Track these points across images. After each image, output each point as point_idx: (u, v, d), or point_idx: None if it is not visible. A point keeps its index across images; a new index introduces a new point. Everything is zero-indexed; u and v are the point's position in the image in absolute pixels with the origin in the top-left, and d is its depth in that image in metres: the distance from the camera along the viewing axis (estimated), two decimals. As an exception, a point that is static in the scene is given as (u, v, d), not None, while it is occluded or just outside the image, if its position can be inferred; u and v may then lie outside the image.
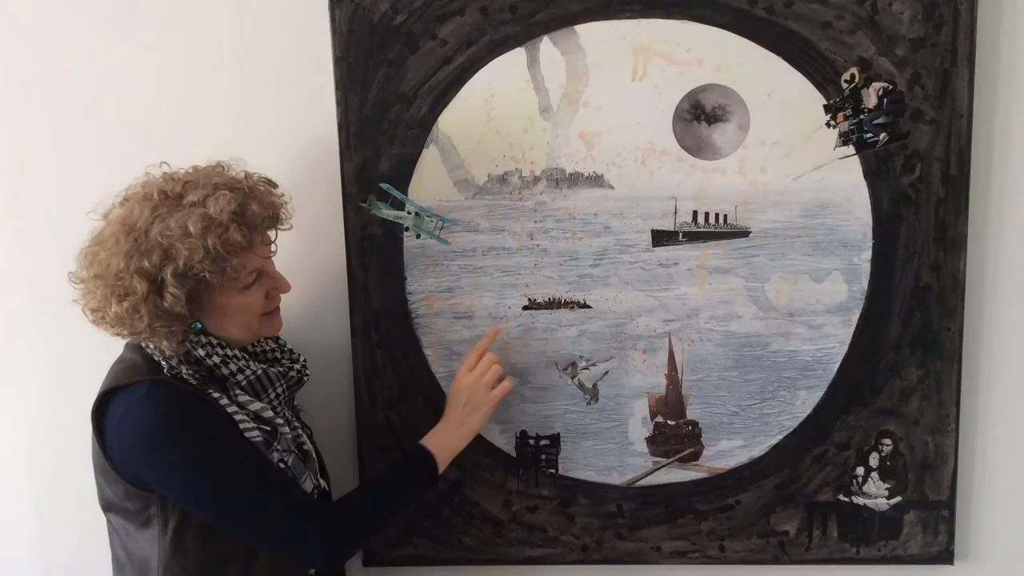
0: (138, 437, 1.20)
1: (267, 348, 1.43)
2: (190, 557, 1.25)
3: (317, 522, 1.26)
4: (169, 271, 1.19)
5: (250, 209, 1.25)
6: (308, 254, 1.55)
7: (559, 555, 1.61)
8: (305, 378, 1.40)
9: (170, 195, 1.23)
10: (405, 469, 1.39)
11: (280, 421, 1.30)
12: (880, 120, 1.48)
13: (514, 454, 1.59)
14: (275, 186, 1.34)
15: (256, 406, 1.28)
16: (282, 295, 1.36)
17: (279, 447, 1.27)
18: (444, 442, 1.40)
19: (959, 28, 1.44)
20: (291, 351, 1.44)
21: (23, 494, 1.69)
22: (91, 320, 1.25)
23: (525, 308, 1.55)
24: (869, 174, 1.49)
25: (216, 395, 1.24)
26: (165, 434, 1.20)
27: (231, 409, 1.24)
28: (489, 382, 1.44)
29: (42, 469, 1.67)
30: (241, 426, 1.24)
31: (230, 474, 1.21)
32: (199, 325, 1.26)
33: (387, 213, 1.52)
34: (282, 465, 1.28)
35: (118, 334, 1.25)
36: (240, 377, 1.29)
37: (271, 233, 1.34)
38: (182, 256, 1.18)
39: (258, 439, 1.25)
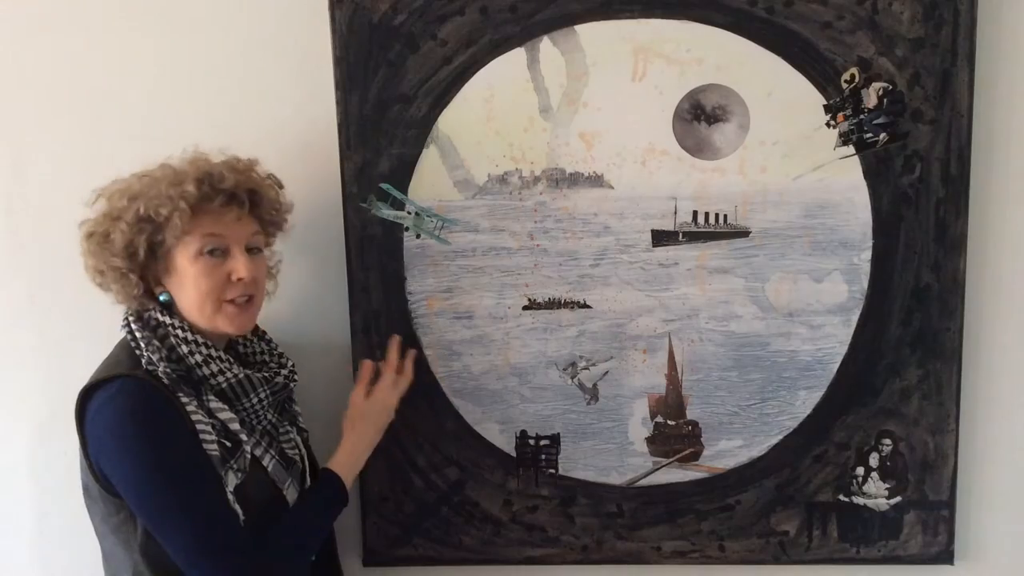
0: (105, 435, 1.21)
1: (256, 350, 1.43)
2: (160, 566, 1.23)
3: (228, 556, 1.21)
4: (131, 212, 1.24)
5: (220, 172, 1.29)
6: (308, 254, 1.55)
7: (559, 555, 1.62)
8: (292, 384, 1.40)
9: (179, 164, 1.31)
10: (314, 493, 1.37)
11: (244, 437, 1.28)
12: (880, 120, 1.48)
13: (514, 454, 1.59)
14: (280, 185, 1.39)
15: (225, 415, 1.27)
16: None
17: (234, 465, 1.25)
18: (344, 460, 1.43)
19: (959, 28, 1.44)
20: (280, 355, 1.44)
21: (23, 494, 1.69)
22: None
23: (525, 308, 1.55)
24: (869, 174, 1.49)
25: (185, 399, 1.23)
26: (123, 432, 1.19)
27: (196, 417, 1.23)
28: (361, 392, 1.49)
29: (42, 469, 1.67)
30: (201, 436, 1.22)
31: (166, 484, 1.19)
32: (166, 296, 1.29)
33: (387, 213, 1.52)
34: (238, 477, 1.25)
35: (89, 271, 1.31)
36: (221, 379, 1.28)
37: (253, 221, 1.33)
38: (142, 198, 1.25)
39: (214, 453, 1.22)
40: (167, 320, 1.27)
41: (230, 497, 1.23)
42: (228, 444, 1.25)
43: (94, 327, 1.52)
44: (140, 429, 1.19)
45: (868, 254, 1.51)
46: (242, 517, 1.23)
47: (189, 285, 1.27)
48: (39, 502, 1.69)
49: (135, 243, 1.25)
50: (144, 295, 1.29)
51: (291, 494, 1.34)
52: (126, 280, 1.27)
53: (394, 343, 1.53)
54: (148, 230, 1.25)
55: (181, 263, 1.27)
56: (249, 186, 1.32)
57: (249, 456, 1.28)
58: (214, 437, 1.23)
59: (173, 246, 1.26)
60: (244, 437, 1.28)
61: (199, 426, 1.22)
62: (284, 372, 1.39)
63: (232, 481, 1.24)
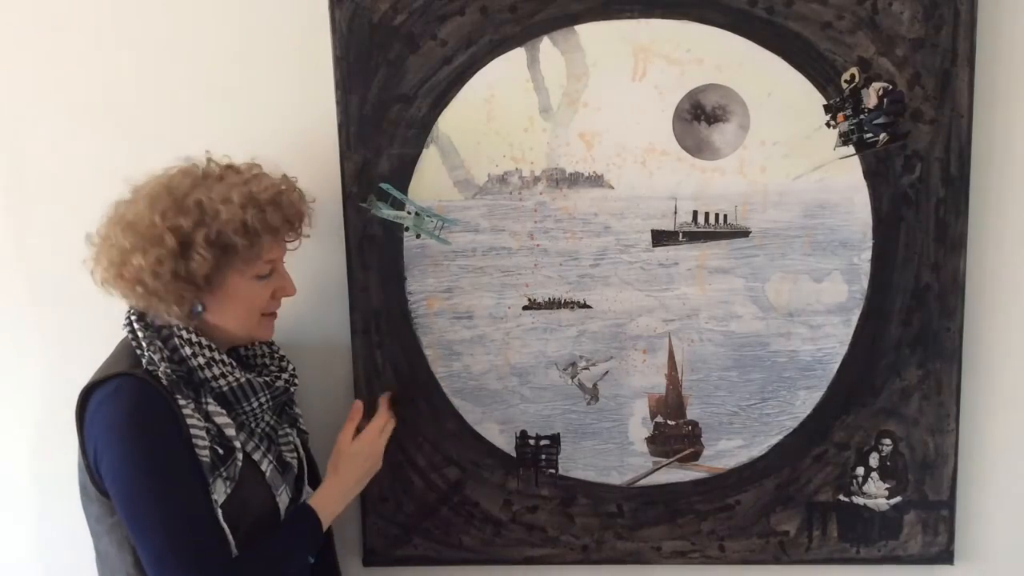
0: (102, 432, 1.20)
1: (257, 352, 1.43)
2: None
3: (200, 569, 1.19)
4: (201, 234, 1.21)
5: (287, 199, 1.29)
6: (308, 254, 1.55)
7: (559, 555, 1.61)
8: (292, 388, 1.39)
9: (210, 175, 1.28)
10: (290, 528, 1.33)
11: (238, 444, 1.26)
12: (880, 120, 1.48)
13: (514, 454, 1.59)
14: (310, 200, 1.39)
15: (222, 420, 1.26)
16: (282, 302, 1.37)
17: (224, 473, 1.23)
18: (324, 500, 1.37)
19: (959, 28, 1.44)
20: (282, 358, 1.44)
21: (23, 494, 1.69)
22: (101, 280, 1.25)
23: (525, 308, 1.55)
24: (869, 174, 1.49)
25: (183, 402, 1.22)
26: (120, 429, 1.19)
27: (191, 421, 1.21)
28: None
29: (42, 469, 1.67)
30: (194, 441, 1.21)
31: (150, 488, 1.18)
32: (200, 307, 1.27)
33: (387, 213, 1.52)
34: (227, 485, 1.23)
35: (126, 295, 1.24)
36: (222, 382, 1.27)
37: (291, 237, 1.36)
38: (218, 221, 1.21)
39: (205, 459, 1.21)
40: (172, 321, 1.27)
41: (217, 511, 1.21)
42: (220, 451, 1.24)
43: (95, 327, 1.52)
44: (135, 428, 1.19)
45: (868, 254, 1.51)
46: (228, 531, 1.21)
47: (239, 303, 1.28)
48: (39, 502, 1.69)
49: (208, 265, 1.21)
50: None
51: (283, 500, 1.33)
52: (181, 300, 1.23)
53: (384, 401, 1.52)
54: (217, 254, 1.22)
55: (233, 282, 1.27)
56: (302, 213, 1.35)
57: (240, 465, 1.26)
58: (207, 443, 1.22)
59: (231, 267, 1.25)
60: (238, 444, 1.27)
61: (193, 431, 1.21)
62: (284, 376, 1.39)
63: (220, 490, 1.22)
